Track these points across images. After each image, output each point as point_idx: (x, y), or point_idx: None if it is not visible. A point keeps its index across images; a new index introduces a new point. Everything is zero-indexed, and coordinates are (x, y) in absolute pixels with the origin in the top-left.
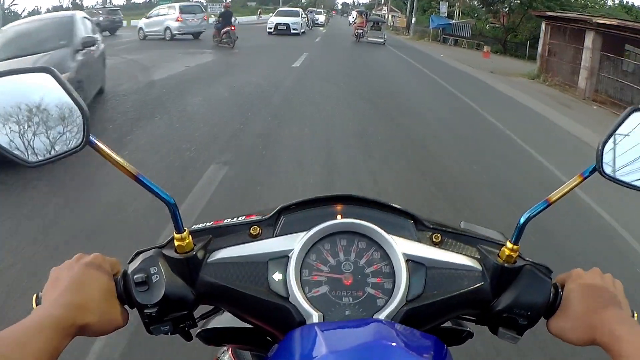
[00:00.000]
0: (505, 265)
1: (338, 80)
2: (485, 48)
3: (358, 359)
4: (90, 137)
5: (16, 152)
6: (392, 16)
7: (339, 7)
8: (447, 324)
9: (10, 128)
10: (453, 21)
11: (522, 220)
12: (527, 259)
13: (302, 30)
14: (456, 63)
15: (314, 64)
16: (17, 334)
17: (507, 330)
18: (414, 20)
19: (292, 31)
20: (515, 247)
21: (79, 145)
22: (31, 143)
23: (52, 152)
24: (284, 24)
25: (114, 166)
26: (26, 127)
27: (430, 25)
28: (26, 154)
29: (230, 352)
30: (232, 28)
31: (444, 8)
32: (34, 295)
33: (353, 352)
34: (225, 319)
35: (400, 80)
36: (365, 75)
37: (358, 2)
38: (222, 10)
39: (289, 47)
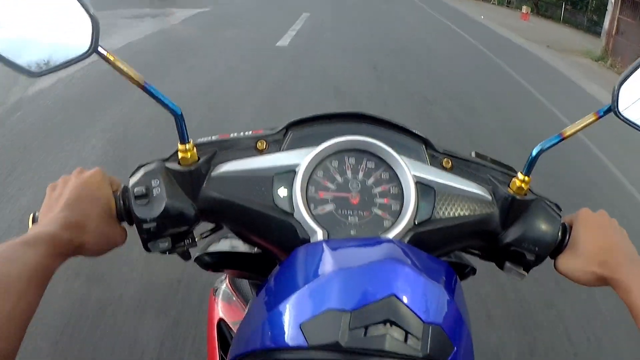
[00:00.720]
0: (516, 196)
1: (354, 82)
2: (525, 9)
3: (368, 277)
4: (99, 45)
5: (19, 62)
6: None
7: None
8: (451, 258)
9: (13, 37)
10: None
11: (534, 152)
12: (537, 193)
13: None
14: (499, 28)
15: (313, 40)
16: (8, 249)
17: (513, 266)
18: None
19: None
20: (526, 178)
21: (86, 52)
22: (36, 52)
23: (58, 60)
24: None
25: (121, 74)
26: (31, 35)
27: None
28: (29, 64)
29: (227, 281)
30: None
31: None
32: (30, 215)
33: (363, 269)
34: (223, 246)
35: (451, 67)
36: (401, 66)
37: None
38: None
39: (283, 4)
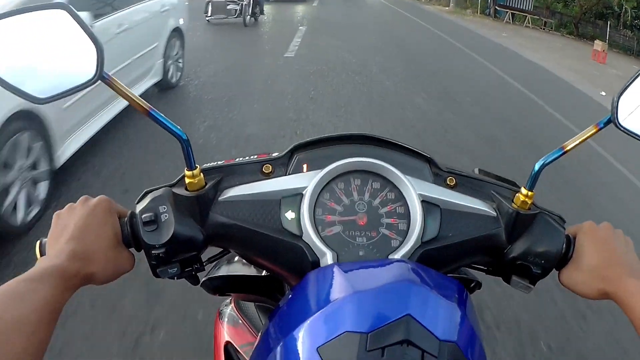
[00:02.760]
0: (520, 211)
1: None
2: (600, 45)
3: (383, 299)
4: (104, 72)
5: (26, 89)
6: None
7: None
8: (457, 274)
9: (20, 65)
10: None
11: (537, 166)
12: (541, 207)
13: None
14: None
15: None
16: (17, 286)
17: (520, 279)
18: None
19: None
20: (530, 193)
21: (92, 78)
22: (42, 79)
23: (65, 87)
24: None
25: (126, 100)
26: (38, 63)
27: None
28: (36, 91)
29: (233, 304)
30: None
31: None
32: (37, 243)
33: (378, 291)
34: (229, 270)
35: None
36: None
37: None
38: None
39: None
